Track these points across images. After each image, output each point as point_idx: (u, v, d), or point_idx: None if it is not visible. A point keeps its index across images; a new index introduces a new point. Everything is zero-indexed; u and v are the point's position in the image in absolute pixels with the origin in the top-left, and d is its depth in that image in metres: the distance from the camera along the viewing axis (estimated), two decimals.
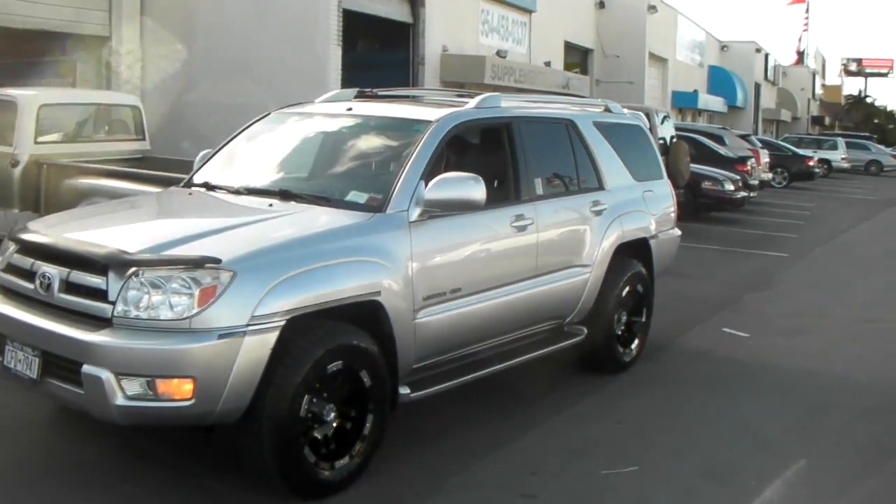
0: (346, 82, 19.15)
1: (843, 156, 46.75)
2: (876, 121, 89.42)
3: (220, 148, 7.26)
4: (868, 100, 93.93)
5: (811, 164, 36.70)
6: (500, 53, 25.89)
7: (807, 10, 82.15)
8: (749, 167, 23.81)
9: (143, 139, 12.95)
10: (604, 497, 5.56)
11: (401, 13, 22.43)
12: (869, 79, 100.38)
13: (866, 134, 64.11)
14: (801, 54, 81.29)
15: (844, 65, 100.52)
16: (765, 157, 29.17)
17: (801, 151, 38.60)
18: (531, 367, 7.35)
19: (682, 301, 10.77)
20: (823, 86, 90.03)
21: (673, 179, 16.32)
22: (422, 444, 6.13)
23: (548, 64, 29.66)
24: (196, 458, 5.81)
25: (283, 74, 19.05)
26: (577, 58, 35.30)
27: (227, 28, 19.68)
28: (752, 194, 23.04)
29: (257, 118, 7.48)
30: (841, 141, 48.90)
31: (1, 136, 11.56)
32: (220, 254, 4.90)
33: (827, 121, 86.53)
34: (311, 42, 19.19)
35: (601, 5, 35.93)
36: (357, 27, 20.86)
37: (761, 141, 34.09)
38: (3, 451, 5.82)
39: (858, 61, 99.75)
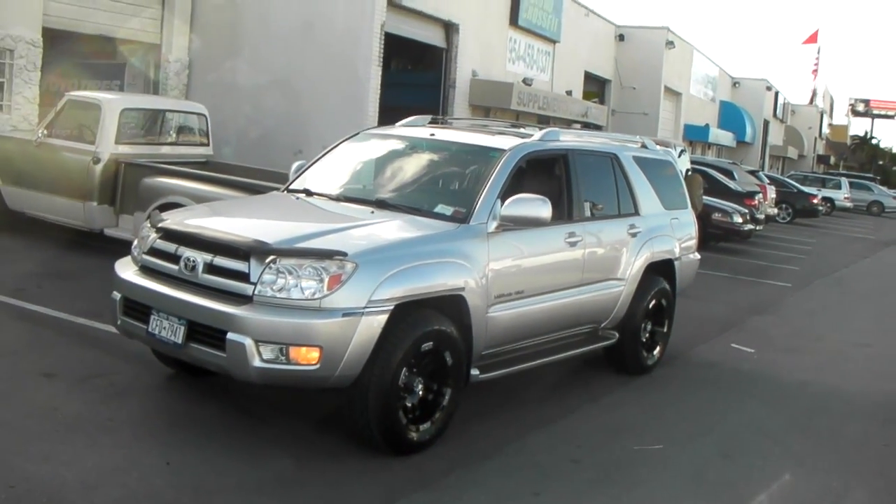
0: (381, 101, 20.28)
1: (846, 195, 47.91)
2: (880, 162, 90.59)
3: (314, 161, 8.44)
4: (873, 141, 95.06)
5: (815, 201, 37.80)
6: (526, 81, 27.01)
7: (818, 52, 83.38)
8: (757, 202, 24.89)
9: (208, 144, 14.11)
10: (637, 464, 6.75)
11: (437, 38, 23.57)
12: (876, 120, 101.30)
13: (870, 175, 65.26)
14: (814, 94, 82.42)
15: (852, 105, 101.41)
16: (771, 192, 30.24)
17: (805, 189, 39.75)
18: (569, 364, 8.58)
19: (694, 319, 11.88)
20: (830, 125, 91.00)
21: None
22: (483, 418, 7.29)
23: (569, 93, 30.77)
24: (296, 421, 6.96)
25: (324, 91, 20.06)
26: (596, 87, 36.44)
27: (271, 44, 20.67)
28: (758, 227, 24.11)
29: (346, 137, 8.65)
30: (845, 181, 50.13)
31: (82, 134, 12.68)
32: (345, 248, 6.06)
33: (832, 160, 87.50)
34: (352, 62, 20.16)
35: (621, 38, 37.06)
36: (391, 48, 21.82)
37: (768, 177, 35.13)
38: (132, 407, 6.89)
39: (866, 102, 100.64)
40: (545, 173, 8.16)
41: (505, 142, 7.74)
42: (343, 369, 5.93)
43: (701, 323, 12.06)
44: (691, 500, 6.21)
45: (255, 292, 5.96)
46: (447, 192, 7.64)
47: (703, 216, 20.15)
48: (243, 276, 6.06)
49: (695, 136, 44.97)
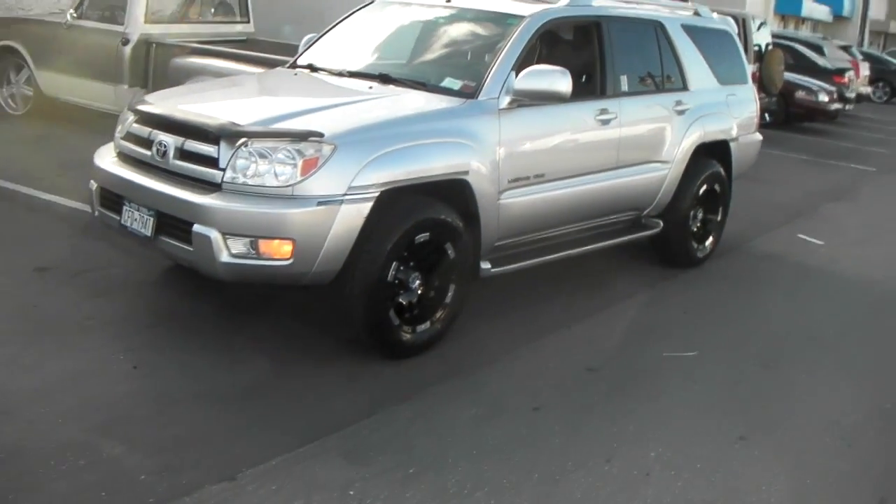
0: None
1: None
2: None
3: (325, 33, 7.68)
4: None
5: None
6: None
7: None
8: (847, 79, 23.44)
9: (248, 22, 13.41)
10: (662, 373, 5.96)
11: None
12: None
13: None
14: None
15: None
16: (865, 70, 28.64)
17: None
18: (607, 255, 7.77)
19: (760, 206, 10.97)
20: None
21: (765, 87, 16.41)
22: (495, 318, 6.57)
23: None
24: (290, 316, 6.34)
25: None
26: None
27: None
28: (847, 107, 22.82)
29: (360, 6, 7.84)
30: None
31: (112, 15, 12.12)
32: (323, 128, 5.33)
33: None
34: None
35: None
36: None
37: (864, 54, 33.35)
38: (118, 304, 6.34)
39: None
40: (575, 44, 7.30)
41: (526, 8, 6.83)
42: (321, 264, 5.27)
43: (767, 210, 11.12)
44: (713, 416, 5.36)
45: (225, 179, 5.31)
46: (458, 64, 6.79)
47: (786, 94, 19.11)
48: (213, 162, 5.40)
49: (786, 10, 42.97)
